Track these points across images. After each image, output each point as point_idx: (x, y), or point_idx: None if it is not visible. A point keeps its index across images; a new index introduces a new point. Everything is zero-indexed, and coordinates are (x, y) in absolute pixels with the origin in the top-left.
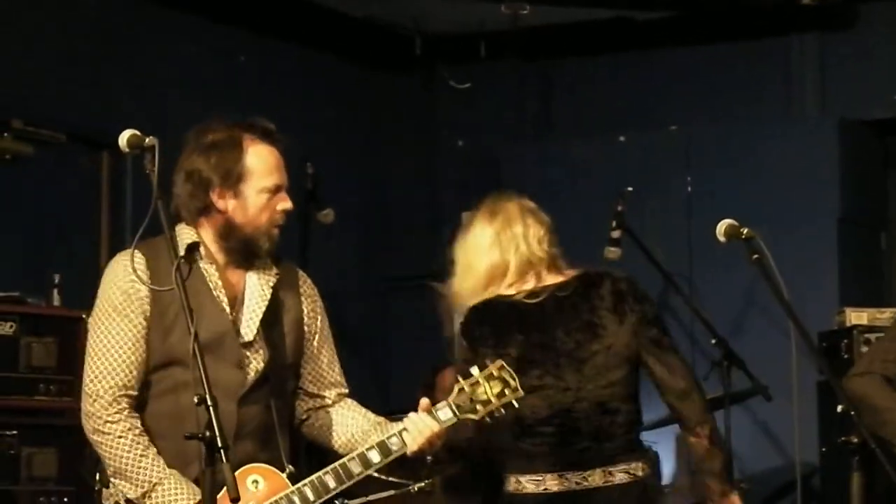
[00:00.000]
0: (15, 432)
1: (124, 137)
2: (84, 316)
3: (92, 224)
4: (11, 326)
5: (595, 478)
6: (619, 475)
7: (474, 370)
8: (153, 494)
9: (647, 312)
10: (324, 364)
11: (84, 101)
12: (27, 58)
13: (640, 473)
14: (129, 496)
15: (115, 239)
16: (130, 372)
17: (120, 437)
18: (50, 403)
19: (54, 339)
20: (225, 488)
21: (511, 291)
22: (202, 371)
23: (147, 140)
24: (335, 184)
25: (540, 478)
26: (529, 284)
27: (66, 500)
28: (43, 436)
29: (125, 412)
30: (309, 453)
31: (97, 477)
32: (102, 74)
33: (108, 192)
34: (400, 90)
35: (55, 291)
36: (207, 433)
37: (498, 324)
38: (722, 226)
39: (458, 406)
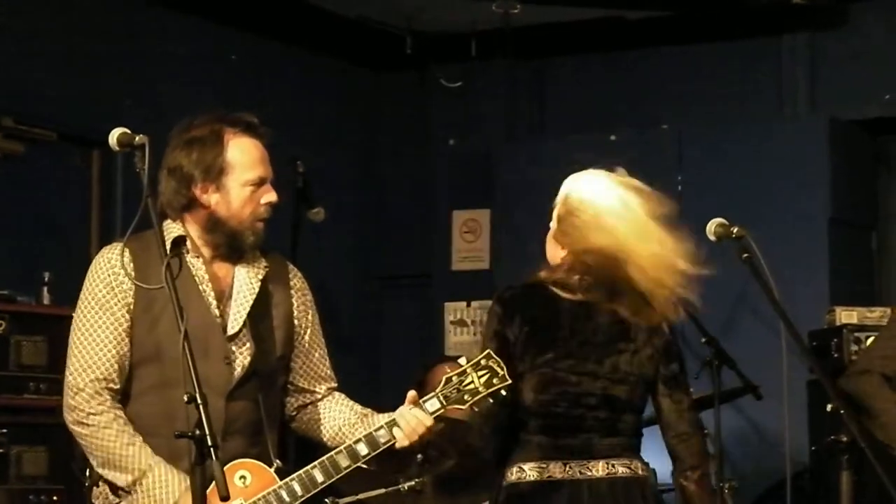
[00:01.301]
0: (5, 431)
1: (114, 136)
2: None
3: (82, 223)
4: (1, 325)
5: (598, 468)
6: (622, 469)
7: (462, 360)
8: (144, 481)
9: (673, 344)
10: (315, 359)
11: (75, 100)
12: (18, 56)
13: (640, 472)
14: (118, 484)
15: (106, 237)
16: (112, 365)
17: (105, 427)
18: (40, 402)
19: (44, 338)
20: (213, 484)
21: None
22: (193, 372)
23: (137, 139)
24: (327, 183)
25: (544, 465)
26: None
27: (55, 498)
28: (33, 434)
29: (107, 403)
30: (299, 448)
31: (87, 473)
32: (93, 73)
33: (98, 191)
34: (392, 89)
35: (45, 290)
36: (197, 432)
37: (531, 303)
38: (712, 224)
39: (445, 397)
